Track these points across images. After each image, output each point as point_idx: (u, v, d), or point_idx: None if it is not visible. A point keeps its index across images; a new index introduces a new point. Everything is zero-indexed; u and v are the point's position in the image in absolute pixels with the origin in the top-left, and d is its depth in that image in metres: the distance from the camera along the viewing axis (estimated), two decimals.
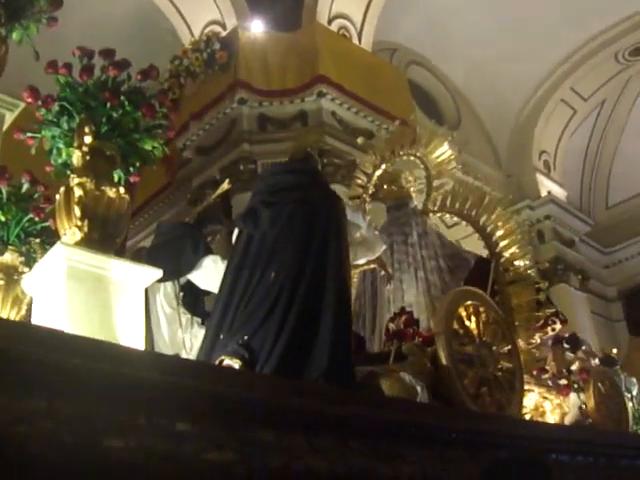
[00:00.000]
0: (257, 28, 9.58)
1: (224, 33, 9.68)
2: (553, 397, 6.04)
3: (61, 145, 3.77)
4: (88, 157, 3.62)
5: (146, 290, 3.76)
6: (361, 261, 4.91)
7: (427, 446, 3.68)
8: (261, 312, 3.89)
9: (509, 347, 4.92)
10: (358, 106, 9.41)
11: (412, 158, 6.21)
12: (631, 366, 7.62)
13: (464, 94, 13.09)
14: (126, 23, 10.02)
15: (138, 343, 3.41)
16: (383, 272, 5.39)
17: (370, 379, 4.13)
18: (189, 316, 4.97)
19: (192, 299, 5.05)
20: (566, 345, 6.72)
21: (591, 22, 12.37)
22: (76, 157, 3.65)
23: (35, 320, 3.47)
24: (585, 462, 4.68)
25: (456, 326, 4.59)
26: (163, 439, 2.62)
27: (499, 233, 5.92)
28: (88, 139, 3.63)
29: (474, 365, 4.56)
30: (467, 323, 4.68)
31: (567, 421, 6.01)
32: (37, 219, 4.30)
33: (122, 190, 3.63)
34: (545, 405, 5.95)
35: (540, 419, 5.80)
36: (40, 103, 3.76)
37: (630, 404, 6.71)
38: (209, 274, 4.81)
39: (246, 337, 3.81)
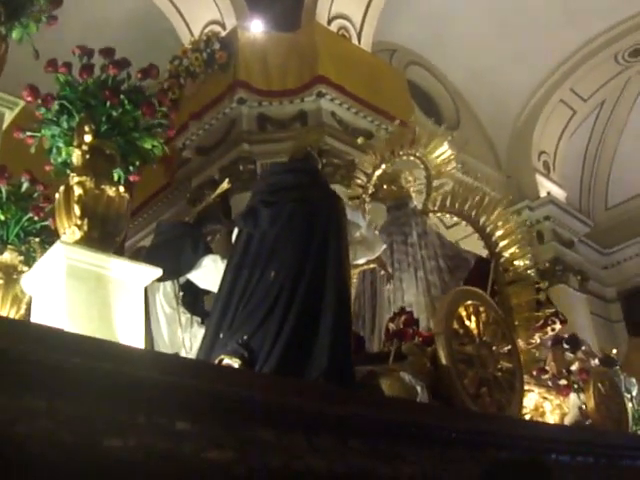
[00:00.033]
0: (257, 28, 9.58)
1: (224, 33, 9.68)
2: (553, 397, 6.04)
3: (61, 144, 3.76)
4: (88, 156, 3.61)
5: (146, 290, 3.75)
6: (361, 261, 4.90)
7: (427, 446, 3.67)
8: (261, 312, 3.88)
9: (509, 347, 4.91)
10: (357, 106, 9.41)
11: (412, 158, 6.22)
12: (631, 366, 7.62)
13: (463, 95, 13.09)
14: (126, 23, 10.02)
15: (138, 342, 3.40)
16: (383, 272, 5.40)
17: (370, 379, 4.13)
18: (189, 316, 4.96)
19: (192, 299, 5.04)
20: (566, 345, 6.72)
21: (591, 23, 12.37)
22: (76, 156, 3.64)
23: (34, 319, 3.46)
24: (585, 462, 4.67)
25: (456, 326, 4.59)
26: (163, 438, 2.61)
27: (499, 233, 5.92)
28: (88, 138, 3.62)
29: (474, 365, 4.55)
30: (467, 323, 4.67)
31: (567, 421, 6.01)
32: (37, 218, 4.30)
33: (122, 189, 3.63)
34: (545, 405, 5.94)
35: (540, 419, 5.80)
36: (40, 102, 3.75)
37: (630, 404, 6.70)
38: (209, 273, 4.81)
39: (246, 336, 3.81)
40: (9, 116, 4.66)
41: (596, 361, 7.03)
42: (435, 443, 3.72)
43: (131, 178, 3.89)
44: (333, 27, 9.93)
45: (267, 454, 2.92)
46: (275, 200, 4.26)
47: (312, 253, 4.02)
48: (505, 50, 12.19)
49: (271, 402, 3.03)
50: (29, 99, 3.80)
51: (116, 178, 3.74)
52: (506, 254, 5.86)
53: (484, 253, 6.01)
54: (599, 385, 6.06)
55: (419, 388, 4.18)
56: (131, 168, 3.87)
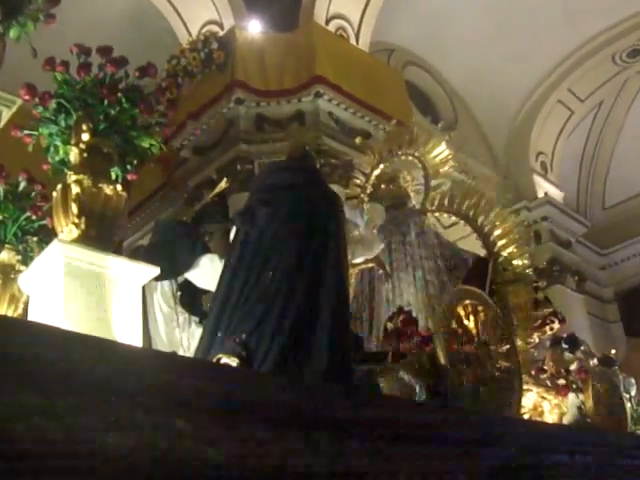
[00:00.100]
0: (254, 28, 9.56)
1: (221, 33, 9.65)
2: (552, 397, 6.04)
3: (58, 142, 3.75)
4: (85, 154, 3.61)
5: (143, 289, 3.75)
6: (359, 260, 4.90)
7: (425, 445, 3.66)
8: (258, 311, 3.87)
9: (507, 346, 4.91)
10: (355, 107, 9.39)
11: (410, 158, 6.23)
12: (630, 366, 7.61)
13: (461, 95, 13.09)
14: (123, 23, 10.00)
15: (135, 340, 3.39)
16: (381, 271, 5.40)
17: (368, 378, 4.13)
18: (186, 315, 4.96)
19: (189, 298, 5.04)
20: (565, 345, 6.72)
21: (589, 23, 12.37)
22: (73, 154, 3.63)
23: (32, 318, 3.45)
24: (584, 462, 4.66)
25: (454, 325, 4.59)
26: (160, 437, 2.60)
27: (497, 232, 5.92)
28: (85, 136, 3.62)
29: (472, 364, 4.55)
30: (465, 322, 4.68)
31: (566, 421, 6.01)
32: (34, 217, 4.29)
33: (119, 187, 3.62)
34: (544, 405, 5.94)
35: (539, 419, 5.79)
36: (37, 100, 3.75)
37: (628, 404, 6.70)
38: (206, 273, 4.80)
39: (244, 335, 3.80)
40: (6, 114, 4.64)
41: (595, 361, 7.03)
42: (434, 442, 3.71)
43: (129, 177, 3.89)
44: (331, 27, 9.92)
45: (265, 453, 2.91)
46: (273, 199, 4.25)
47: (310, 252, 4.01)
48: (503, 50, 12.19)
49: (269, 401, 3.02)
50: (26, 97, 3.79)
51: (114, 177, 3.73)
52: (504, 253, 5.86)
53: (482, 253, 6.01)
54: (598, 385, 6.07)
55: (418, 387, 4.19)
56: (129, 167, 3.86)
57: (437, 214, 6.42)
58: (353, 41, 10.15)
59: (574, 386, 6.13)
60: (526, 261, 5.91)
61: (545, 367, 6.32)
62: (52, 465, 2.31)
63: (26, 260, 4.16)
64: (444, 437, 3.76)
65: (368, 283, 5.75)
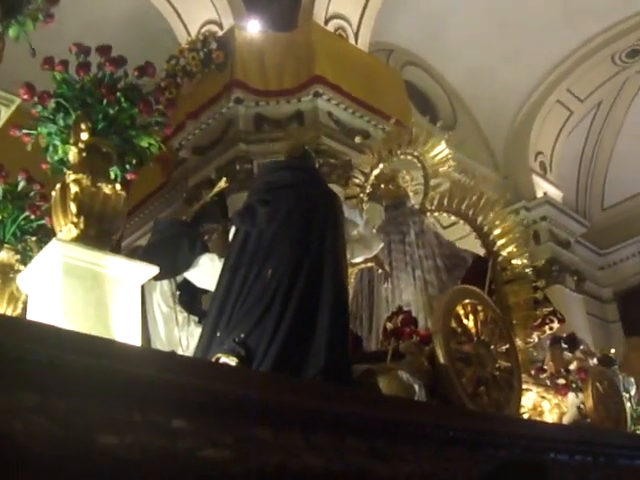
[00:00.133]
0: (254, 28, 9.55)
1: (221, 33, 9.66)
2: (551, 397, 6.04)
3: (57, 142, 3.75)
4: (84, 154, 3.61)
5: (142, 288, 3.75)
6: (358, 259, 4.90)
7: (425, 445, 3.66)
8: (258, 310, 3.87)
9: (507, 346, 4.90)
10: (354, 106, 9.39)
11: (409, 157, 6.22)
12: (629, 366, 7.61)
13: (460, 95, 13.08)
14: (123, 23, 9.99)
15: (134, 339, 3.39)
16: (380, 270, 5.39)
17: (367, 377, 4.11)
18: (186, 315, 4.96)
19: (189, 297, 5.04)
20: (564, 345, 6.72)
21: (588, 24, 12.36)
22: (72, 154, 3.64)
23: (31, 317, 3.45)
24: (583, 462, 4.66)
25: (454, 325, 4.57)
26: (159, 436, 2.60)
27: (496, 232, 5.92)
28: (84, 136, 3.62)
29: (472, 364, 4.54)
30: (465, 322, 4.66)
31: (565, 421, 6.00)
32: (33, 217, 4.30)
33: (118, 187, 3.62)
34: (543, 405, 5.94)
35: (538, 418, 5.79)
36: (36, 100, 3.74)
37: (628, 404, 6.70)
38: (206, 272, 4.81)
39: (243, 335, 3.80)
40: (5, 114, 4.63)
41: (594, 360, 7.03)
42: (433, 442, 3.71)
43: (128, 176, 3.88)
44: (330, 27, 9.92)
45: (264, 452, 2.90)
46: (272, 198, 4.25)
47: (309, 251, 4.01)
48: (502, 50, 12.19)
49: (268, 400, 3.02)
50: (25, 97, 3.79)
51: (113, 176, 3.73)
52: (504, 253, 5.86)
53: (481, 252, 6.01)
54: (597, 384, 6.06)
55: (417, 387, 4.17)
56: (128, 166, 3.86)
57: (436, 214, 6.41)
58: (352, 41, 10.15)
59: (574, 386, 6.12)
60: (525, 260, 5.91)
61: (545, 367, 6.32)
62: (50, 464, 2.30)
63: (25, 259, 4.16)
64: (444, 437, 3.76)
65: (367, 283, 5.74)
